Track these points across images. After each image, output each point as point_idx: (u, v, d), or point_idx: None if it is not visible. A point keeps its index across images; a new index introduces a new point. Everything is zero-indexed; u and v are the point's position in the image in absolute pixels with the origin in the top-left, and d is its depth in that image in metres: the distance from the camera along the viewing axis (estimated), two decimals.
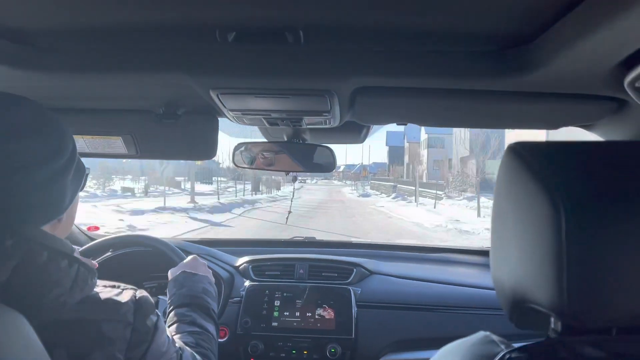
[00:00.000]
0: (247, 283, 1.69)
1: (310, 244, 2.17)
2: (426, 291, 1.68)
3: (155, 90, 1.11)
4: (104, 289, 0.81)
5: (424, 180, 35.40)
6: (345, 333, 1.55)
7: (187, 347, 0.96)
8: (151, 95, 1.16)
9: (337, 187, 49.95)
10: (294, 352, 1.54)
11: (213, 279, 1.24)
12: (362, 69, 0.91)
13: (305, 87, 0.98)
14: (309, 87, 0.98)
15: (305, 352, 1.54)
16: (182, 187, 34.76)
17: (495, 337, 0.54)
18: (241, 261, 1.80)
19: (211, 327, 1.09)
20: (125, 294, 0.82)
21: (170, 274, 1.21)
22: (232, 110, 1.12)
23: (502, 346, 0.51)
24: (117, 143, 1.30)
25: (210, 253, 1.77)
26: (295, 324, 1.58)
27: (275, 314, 1.60)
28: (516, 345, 0.52)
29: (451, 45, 0.86)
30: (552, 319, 0.51)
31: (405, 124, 1.23)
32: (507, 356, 0.49)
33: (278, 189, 37.01)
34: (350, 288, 1.65)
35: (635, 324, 0.47)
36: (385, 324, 1.59)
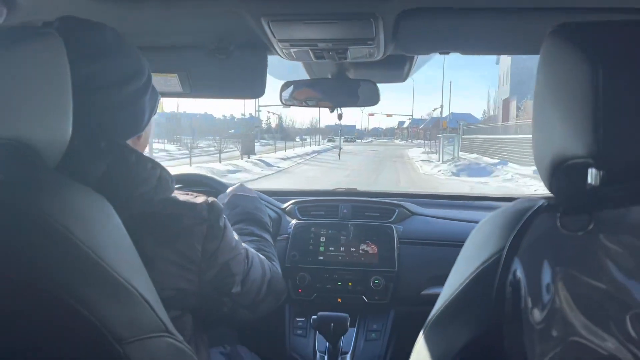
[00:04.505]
0: (293, 221, 1.78)
1: (353, 193, 2.24)
2: (466, 230, 1.71)
3: (208, 22, 1.18)
4: (181, 195, 0.93)
5: None
6: (388, 266, 1.61)
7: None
8: (204, 28, 1.23)
9: (399, 148, 29.58)
10: (339, 283, 1.62)
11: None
12: None
13: (351, 11, 1.03)
14: (354, 11, 1.02)
15: (349, 283, 1.62)
16: None
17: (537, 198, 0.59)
18: (287, 204, 1.89)
19: (268, 237, 1.18)
20: (199, 198, 0.93)
21: (221, 199, 1.30)
22: (281, 41, 1.18)
23: (543, 200, 0.57)
24: (173, 80, 1.39)
25: (258, 195, 1.87)
26: (340, 258, 1.66)
27: (321, 249, 1.68)
28: None
29: None
30: (590, 174, 0.55)
31: (448, 53, 1.26)
32: (546, 203, 0.54)
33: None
34: (392, 226, 1.71)
35: None
36: (426, 260, 1.64)
